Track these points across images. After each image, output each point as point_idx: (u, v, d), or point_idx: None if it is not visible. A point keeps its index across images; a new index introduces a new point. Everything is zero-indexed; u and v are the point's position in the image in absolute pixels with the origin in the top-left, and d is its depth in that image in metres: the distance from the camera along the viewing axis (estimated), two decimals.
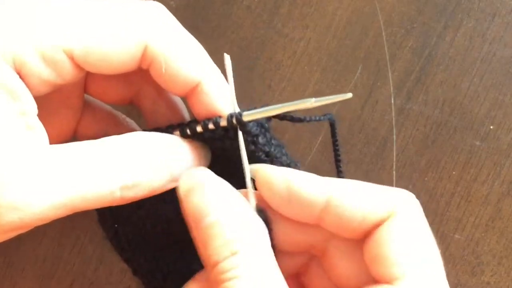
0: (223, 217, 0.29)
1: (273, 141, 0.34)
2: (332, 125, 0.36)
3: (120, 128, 0.38)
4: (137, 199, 0.30)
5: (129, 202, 0.30)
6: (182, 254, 0.37)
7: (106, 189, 0.29)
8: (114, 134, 0.31)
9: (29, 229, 0.30)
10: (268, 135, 0.33)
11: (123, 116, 0.39)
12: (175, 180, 0.31)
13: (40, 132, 0.29)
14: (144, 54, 0.31)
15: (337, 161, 0.38)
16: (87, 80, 0.35)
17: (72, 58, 0.29)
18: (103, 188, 0.29)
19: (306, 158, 0.42)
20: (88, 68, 0.30)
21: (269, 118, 0.33)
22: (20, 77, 0.29)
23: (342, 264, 0.32)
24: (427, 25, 0.42)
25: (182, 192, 0.30)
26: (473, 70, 0.42)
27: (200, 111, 0.33)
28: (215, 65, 0.33)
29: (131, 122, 0.39)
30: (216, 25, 0.42)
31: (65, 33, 0.29)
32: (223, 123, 0.32)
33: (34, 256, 0.43)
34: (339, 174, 0.38)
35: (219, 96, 0.32)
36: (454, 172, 0.42)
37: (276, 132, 0.41)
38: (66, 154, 0.29)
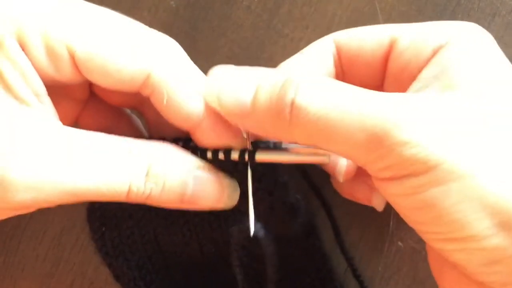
0: (260, 87, 0.28)
1: (279, 179, 0.33)
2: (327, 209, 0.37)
3: (123, 125, 0.37)
4: (140, 203, 0.31)
5: (132, 202, 0.30)
6: (167, 266, 0.37)
7: (119, 189, 0.29)
8: (116, 129, 0.31)
9: (31, 210, 0.30)
10: (273, 173, 0.33)
11: (129, 112, 0.38)
12: (185, 202, 0.31)
13: (52, 112, 0.29)
14: (146, 82, 0.30)
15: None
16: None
17: (73, 58, 0.29)
18: (117, 188, 0.29)
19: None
20: (86, 74, 0.30)
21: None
22: None
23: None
24: None
25: (212, 101, 0.30)
26: None
27: (206, 144, 0.32)
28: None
29: (136, 120, 0.38)
30: (216, 25, 0.42)
31: (72, 31, 0.29)
32: (234, 156, 0.31)
33: (34, 256, 0.43)
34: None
35: (223, 137, 0.31)
36: None
37: None
38: (80, 139, 0.29)
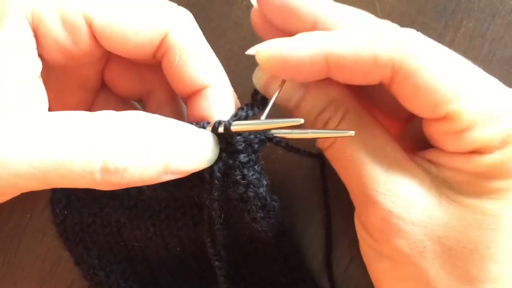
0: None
1: (256, 167, 0.31)
2: (322, 166, 0.36)
3: None
4: (122, 187, 0.27)
5: (113, 189, 0.27)
6: (129, 258, 0.36)
7: (83, 166, 0.25)
8: None
9: (2, 199, 0.28)
10: (254, 158, 0.31)
11: (137, 106, 0.39)
12: (172, 172, 0.28)
13: (38, 95, 0.28)
14: (162, 43, 0.30)
15: (326, 196, 0.38)
16: (105, 68, 0.35)
17: (90, 27, 0.29)
18: (80, 164, 0.25)
19: (304, 164, 0.42)
20: (104, 43, 0.30)
21: (264, 141, 0.31)
22: (36, 35, 0.28)
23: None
24: (427, 25, 0.42)
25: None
26: None
27: (195, 116, 0.32)
28: (226, 78, 0.32)
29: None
30: (216, 25, 0.42)
31: (88, 0, 0.29)
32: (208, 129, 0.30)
33: (34, 256, 0.43)
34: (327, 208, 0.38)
35: (219, 106, 0.31)
36: None
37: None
38: (53, 120, 0.26)
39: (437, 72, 0.27)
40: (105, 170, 0.25)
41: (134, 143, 0.26)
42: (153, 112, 0.36)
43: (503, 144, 0.28)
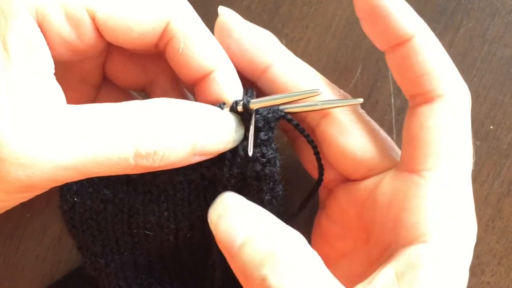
0: (249, 239, 0.28)
1: (273, 145, 0.32)
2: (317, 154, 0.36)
3: None
4: (154, 170, 0.29)
5: (146, 171, 0.29)
6: (133, 249, 0.36)
7: (119, 154, 0.27)
8: None
9: (39, 192, 0.28)
10: (271, 136, 0.32)
11: (140, 98, 0.38)
12: (200, 154, 0.29)
13: (55, 90, 0.28)
14: (165, 31, 0.31)
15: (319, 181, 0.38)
16: (106, 61, 0.35)
17: (93, 20, 0.29)
18: (116, 153, 0.27)
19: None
20: (108, 35, 0.30)
21: (279, 119, 0.32)
22: (41, 30, 0.28)
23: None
24: (427, 25, 0.42)
25: (211, 223, 0.30)
26: (473, 70, 0.42)
27: (207, 101, 0.32)
28: (229, 59, 0.33)
29: None
30: None
31: None
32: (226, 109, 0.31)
33: (34, 256, 0.43)
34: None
35: (230, 87, 0.32)
36: None
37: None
38: (81, 113, 0.27)
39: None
40: (137, 155, 0.27)
41: (161, 128, 0.28)
42: None
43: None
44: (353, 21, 0.42)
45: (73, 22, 0.29)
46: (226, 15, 0.34)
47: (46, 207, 0.43)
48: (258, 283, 0.27)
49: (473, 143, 0.42)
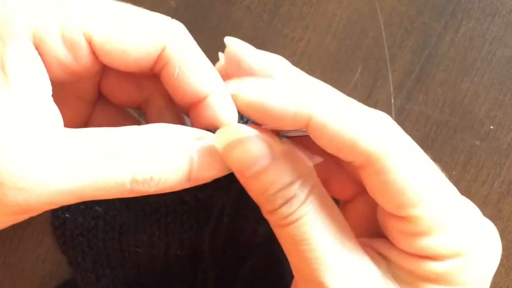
0: (270, 165, 0.28)
1: None
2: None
3: (129, 124, 0.38)
4: (151, 193, 0.29)
5: (140, 195, 0.29)
6: (123, 264, 0.36)
7: (117, 179, 0.27)
8: None
9: (36, 214, 0.29)
10: None
11: (135, 115, 0.39)
12: (195, 180, 0.30)
13: (54, 113, 0.28)
14: (161, 56, 0.31)
15: None
16: (102, 79, 0.36)
17: (90, 44, 0.29)
18: (114, 178, 0.27)
19: None
20: (104, 59, 0.30)
21: None
22: (38, 53, 0.29)
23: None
24: (427, 25, 0.42)
25: (220, 147, 0.29)
26: (473, 70, 0.42)
27: (202, 125, 0.32)
28: (223, 83, 0.33)
29: (141, 121, 0.39)
30: (216, 25, 0.42)
31: (87, 16, 0.29)
32: None
33: (34, 256, 0.43)
34: None
35: (225, 112, 0.32)
36: (454, 172, 0.42)
37: None
38: (80, 138, 0.28)
39: (409, 174, 0.28)
40: (134, 181, 0.28)
41: (157, 154, 0.28)
42: (153, 118, 0.36)
43: (455, 254, 0.29)
44: (353, 21, 0.42)
45: (70, 45, 0.29)
46: (233, 45, 0.34)
47: None
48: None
49: (473, 143, 0.42)
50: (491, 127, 0.42)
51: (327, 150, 0.29)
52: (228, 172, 0.31)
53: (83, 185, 0.27)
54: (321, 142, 0.29)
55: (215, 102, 0.31)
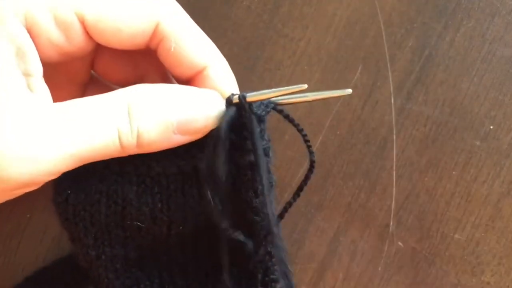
0: None
1: (265, 137, 0.33)
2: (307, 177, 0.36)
3: None
4: (140, 152, 0.30)
5: (133, 153, 0.30)
6: (124, 243, 0.36)
7: (106, 138, 0.29)
8: None
9: (37, 186, 0.30)
10: (264, 127, 0.33)
11: None
12: (181, 131, 0.30)
13: (45, 95, 0.29)
14: (155, 31, 0.31)
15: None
16: (95, 58, 0.36)
17: (83, 23, 0.30)
18: (107, 138, 0.29)
19: (306, 158, 0.42)
20: (97, 37, 0.31)
21: (268, 110, 0.33)
22: (30, 36, 0.29)
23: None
24: (427, 25, 0.42)
25: None
26: (473, 70, 0.42)
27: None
28: (221, 54, 0.33)
29: None
30: (216, 25, 0.42)
31: None
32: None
33: (34, 256, 0.43)
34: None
35: (225, 82, 0.32)
36: (454, 172, 0.42)
37: (275, 131, 0.41)
38: (69, 107, 0.29)
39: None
40: (121, 136, 0.29)
41: (133, 106, 0.30)
42: None
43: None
44: (353, 21, 0.42)
45: (63, 26, 0.29)
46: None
47: (46, 207, 0.43)
48: None
49: (473, 143, 0.42)
50: (491, 127, 0.42)
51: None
52: (216, 121, 0.32)
53: (81, 149, 0.28)
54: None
55: (214, 73, 0.32)
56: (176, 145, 0.31)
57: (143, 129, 0.30)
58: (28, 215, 0.43)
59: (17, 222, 0.43)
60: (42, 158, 0.28)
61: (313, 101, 0.33)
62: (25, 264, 0.43)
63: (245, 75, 0.42)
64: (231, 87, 0.33)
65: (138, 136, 0.30)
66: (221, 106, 0.32)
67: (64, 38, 0.30)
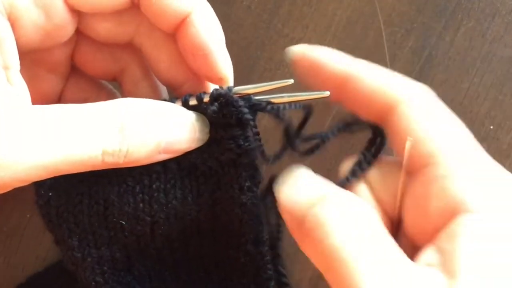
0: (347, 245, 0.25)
1: (252, 132, 0.32)
2: (307, 115, 0.35)
3: (103, 98, 0.38)
4: (119, 166, 0.30)
5: (112, 167, 0.30)
6: (109, 243, 0.36)
7: (88, 153, 0.28)
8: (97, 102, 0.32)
9: (5, 191, 0.29)
10: (252, 124, 0.32)
11: (110, 86, 0.39)
12: (165, 151, 0.31)
13: (22, 89, 0.29)
14: None
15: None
16: (75, 50, 0.36)
17: None
18: (86, 152, 0.28)
19: (306, 158, 0.42)
20: (80, 5, 0.30)
21: (256, 111, 0.33)
22: (11, 19, 0.29)
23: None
24: (427, 25, 0.42)
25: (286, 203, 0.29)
26: (473, 70, 0.42)
27: (187, 46, 0.33)
28: (207, 2, 0.33)
29: (116, 93, 0.39)
30: None
31: None
32: (207, 99, 0.32)
33: (34, 256, 0.43)
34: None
35: (207, 29, 0.32)
36: None
37: (276, 131, 0.41)
38: (50, 114, 0.28)
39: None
40: (105, 153, 0.29)
41: (125, 126, 0.29)
42: (129, 89, 0.37)
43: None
44: (353, 21, 0.42)
45: (42, 3, 0.29)
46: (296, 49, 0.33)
47: None
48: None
49: None
50: (491, 127, 0.42)
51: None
52: (199, 144, 0.32)
53: (55, 160, 0.27)
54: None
55: (196, 18, 0.32)
56: (155, 161, 0.31)
57: (133, 149, 0.29)
58: (28, 215, 0.43)
59: (17, 222, 0.43)
60: (14, 166, 0.26)
61: (289, 102, 0.33)
62: (25, 264, 0.43)
63: (245, 75, 0.42)
64: (214, 33, 0.32)
65: (126, 156, 0.29)
66: (205, 130, 0.32)
67: (44, 17, 0.30)
